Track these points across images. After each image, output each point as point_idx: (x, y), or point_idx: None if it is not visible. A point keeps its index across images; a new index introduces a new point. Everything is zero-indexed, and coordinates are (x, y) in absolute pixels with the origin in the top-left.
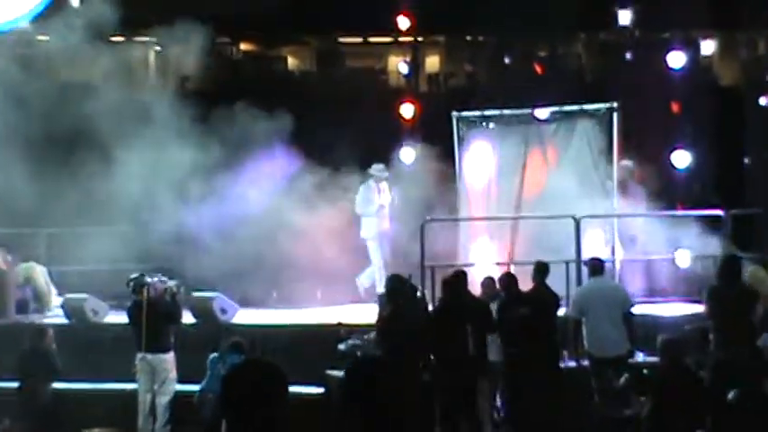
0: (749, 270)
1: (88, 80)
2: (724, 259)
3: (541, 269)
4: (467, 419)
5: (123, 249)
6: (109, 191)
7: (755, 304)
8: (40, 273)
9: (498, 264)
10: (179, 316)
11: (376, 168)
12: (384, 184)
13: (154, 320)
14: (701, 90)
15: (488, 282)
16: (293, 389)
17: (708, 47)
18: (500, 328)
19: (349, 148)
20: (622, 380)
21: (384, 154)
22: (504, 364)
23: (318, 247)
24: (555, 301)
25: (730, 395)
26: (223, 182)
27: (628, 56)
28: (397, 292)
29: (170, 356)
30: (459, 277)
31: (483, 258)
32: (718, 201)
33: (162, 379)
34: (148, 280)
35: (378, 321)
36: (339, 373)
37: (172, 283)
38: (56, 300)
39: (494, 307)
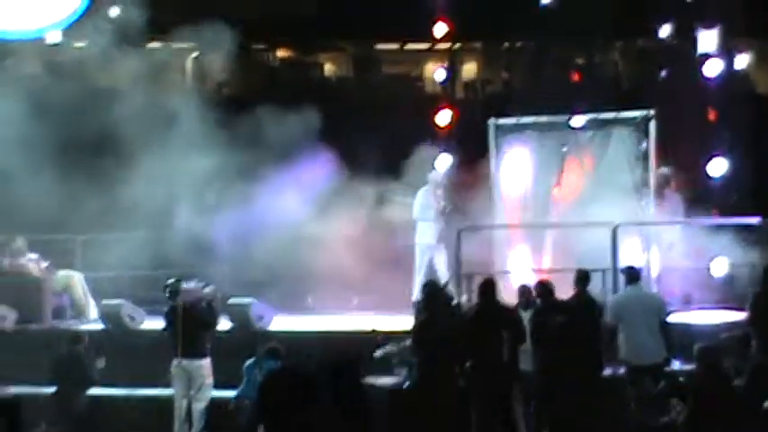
0: None
1: (122, 86)
2: (766, 267)
3: (583, 277)
4: (502, 424)
5: (155, 255)
6: (140, 196)
7: None
8: (77, 281)
9: (534, 271)
10: (215, 322)
11: (435, 174)
12: (440, 191)
13: (190, 326)
14: (738, 98)
15: (524, 289)
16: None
17: (744, 56)
18: (534, 336)
19: (384, 154)
20: (659, 387)
21: (420, 160)
22: (539, 371)
23: (354, 254)
24: (596, 308)
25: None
26: (259, 188)
27: (664, 64)
28: (433, 300)
29: (206, 362)
30: (489, 284)
31: (519, 266)
32: (755, 208)
33: (198, 385)
34: (185, 286)
35: (413, 328)
36: (375, 380)
37: (208, 289)
38: (93, 310)
39: (526, 316)
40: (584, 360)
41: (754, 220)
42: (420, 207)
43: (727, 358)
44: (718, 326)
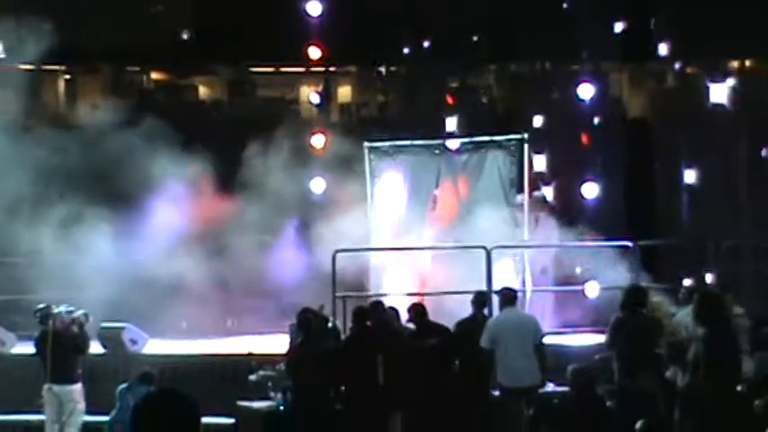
0: (654, 301)
1: None
2: (627, 290)
3: (480, 299)
4: None
5: (26, 280)
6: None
7: (659, 334)
8: None
9: (409, 294)
10: (86, 346)
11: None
12: None
13: (61, 351)
14: (611, 122)
15: (391, 313)
16: (204, 420)
17: (617, 79)
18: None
19: (264, 177)
20: (532, 410)
21: (296, 183)
22: (409, 396)
23: (228, 277)
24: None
25: (638, 425)
26: (132, 212)
27: (538, 88)
28: (308, 323)
29: (77, 387)
30: (378, 306)
31: (394, 288)
32: (627, 231)
33: (69, 410)
34: (55, 310)
35: (288, 352)
36: (250, 404)
37: (79, 313)
38: None
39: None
40: (458, 381)
41: (627, 243)
42: None
43: (600, 380)
44: (590, 348)
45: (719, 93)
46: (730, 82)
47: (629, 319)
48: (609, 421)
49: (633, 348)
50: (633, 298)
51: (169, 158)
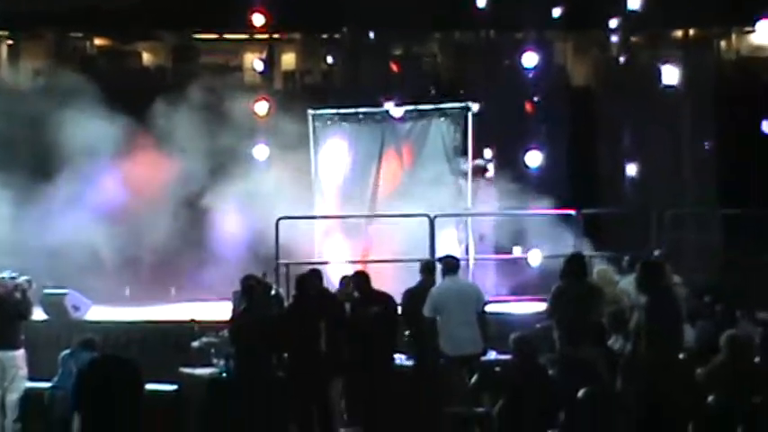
0: (597, 269)
1: None
2: (568, 258)
3: (427, 266)
4: (319, 415)
5: None
6: None
7: (600, 302)
8: None
9: (352, 262)
10: (29, 312)
11: None
12: None
13: (3, 317)
14: (554, 90)
15: (346, 281)
16: (147, 386)
17: (561, 48)
18: (350, 326)
19: (207, 144)
20: (474, 377)
21: (239, 150)
22: (351, 363)
23: (172, 243)
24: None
25: (580, 393)
26: (72, 178)
27: (482, 56)
28: (251, 290)
29: (20, 353)
30: (314, 274)
31: (337, 256)
32: (571, 200)
33: (11, 376)
34: None
35: (231, 319)
36: (193, 371)
37: (22, 279)
38: None
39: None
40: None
41: (570, 211)
42: None
43: (540, 350)
44: (532, 316)
45: (670, 74)
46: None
47: (570, 288)
48: (551, 390)
49: (575, 317)
50: (574, 266)
51: (110, 123)
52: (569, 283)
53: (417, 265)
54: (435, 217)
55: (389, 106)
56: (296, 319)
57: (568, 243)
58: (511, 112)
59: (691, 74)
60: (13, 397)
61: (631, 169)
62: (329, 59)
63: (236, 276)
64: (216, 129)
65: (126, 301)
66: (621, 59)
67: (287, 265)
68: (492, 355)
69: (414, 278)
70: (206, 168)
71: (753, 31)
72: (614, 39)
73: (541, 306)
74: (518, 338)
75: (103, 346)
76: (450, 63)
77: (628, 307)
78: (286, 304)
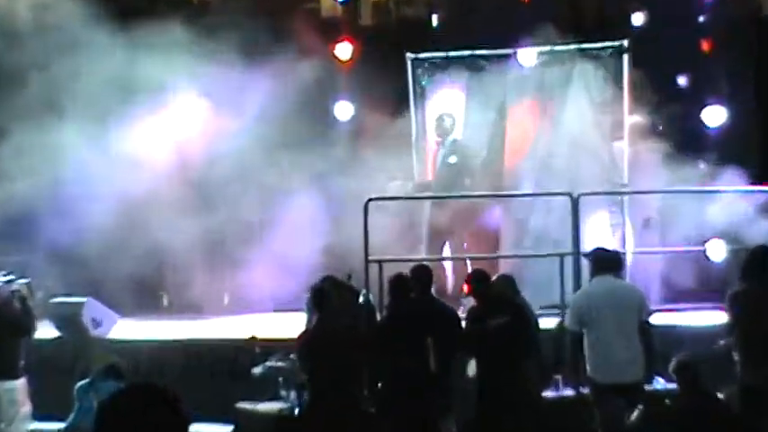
0: None
1: None
2: (753, 251)
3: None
4: None
5: None
6: None
7: None
8: None
9: (471, 258)
10: (30, 327)
11: None
12: None
13: None
14: (740, 22)
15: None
16: (193, 427)
17: None
18: (470, 343)
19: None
20: (635, 413)
21: (314, 109)
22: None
23: (223, 234)
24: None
25: None
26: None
27: None
28: (321, 297)
29: (20, 384)
30: (419, 273)
31: (447, 250)
32: (765, 172)
33: (10, 416)
34: None
35: (300, 336)
36: (254, 406)
37: (20, 284)
38: None
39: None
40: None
41: (764, 188)
42: None
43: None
44: (712, 329)
45: None
46: None
47: (755, 293)
48: (732, 426)
49: (757, 333)
50: (760, 264)
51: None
52: (754, 287)
53: (556, 262)
54: (580, 196)
55: (517, 48)
56: (392, 335)
57: (762, 231)
58: (683, 54)
59: None
60: None
61: None
62: None
63: (312, 279)
64: (284, 81)
65: (163, 313)
66: None
67: (379, 262)
68: (659, 382)
69: (549, 280)
70: (268, 133)
71: None
72: None
73: (723, 316)
74: (678, 364)
75: (133, 374)
76: None
77: None
78: (379, 316)
